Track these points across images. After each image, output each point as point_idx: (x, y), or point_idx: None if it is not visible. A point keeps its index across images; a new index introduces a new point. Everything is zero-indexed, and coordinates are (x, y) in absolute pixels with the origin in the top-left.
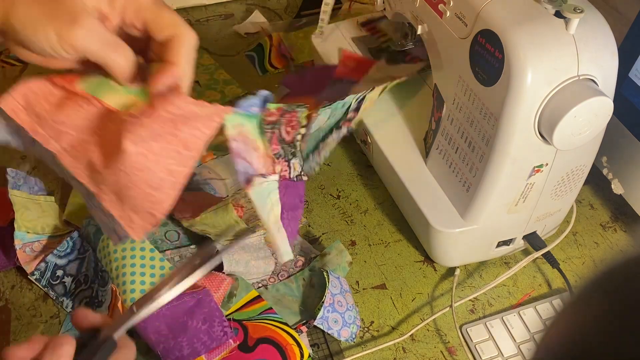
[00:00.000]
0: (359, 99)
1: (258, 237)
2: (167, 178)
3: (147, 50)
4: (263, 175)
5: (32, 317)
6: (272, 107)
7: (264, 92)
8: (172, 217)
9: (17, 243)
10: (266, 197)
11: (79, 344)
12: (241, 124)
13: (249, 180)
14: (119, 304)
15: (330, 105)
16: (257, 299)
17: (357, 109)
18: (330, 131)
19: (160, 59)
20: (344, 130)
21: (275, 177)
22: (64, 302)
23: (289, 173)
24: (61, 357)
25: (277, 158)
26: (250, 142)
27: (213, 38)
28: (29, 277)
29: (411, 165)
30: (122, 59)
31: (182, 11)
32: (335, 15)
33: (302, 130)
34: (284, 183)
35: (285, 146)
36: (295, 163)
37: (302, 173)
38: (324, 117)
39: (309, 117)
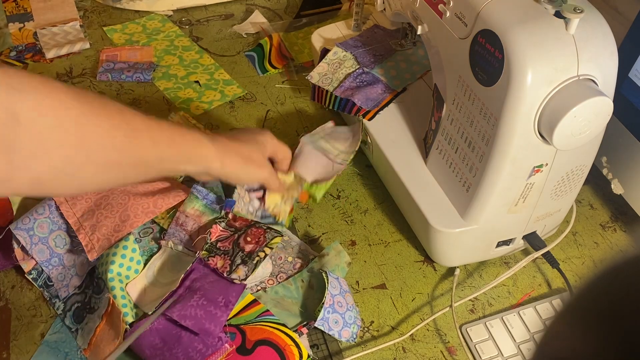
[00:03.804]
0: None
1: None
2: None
3: None
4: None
5: (32, 317)
6: (238, 214)
7: (231, 201)
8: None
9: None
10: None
11: None
12: (198, 209)
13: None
14: (121, 316)
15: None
16: (254, 302)
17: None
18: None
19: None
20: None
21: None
22: (56, 303)
23: (228, 272)
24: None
25: (223, 255)
26: (202, 220)
27: (213, 38)
28: (26, 276)
29: (411, 165)
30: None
31: (182, 11)
32: (335, 15)
33: (267, 250)
34: (215, 275)
35: (236, 249)
36: (241, 269)
37: (242, 282)
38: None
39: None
